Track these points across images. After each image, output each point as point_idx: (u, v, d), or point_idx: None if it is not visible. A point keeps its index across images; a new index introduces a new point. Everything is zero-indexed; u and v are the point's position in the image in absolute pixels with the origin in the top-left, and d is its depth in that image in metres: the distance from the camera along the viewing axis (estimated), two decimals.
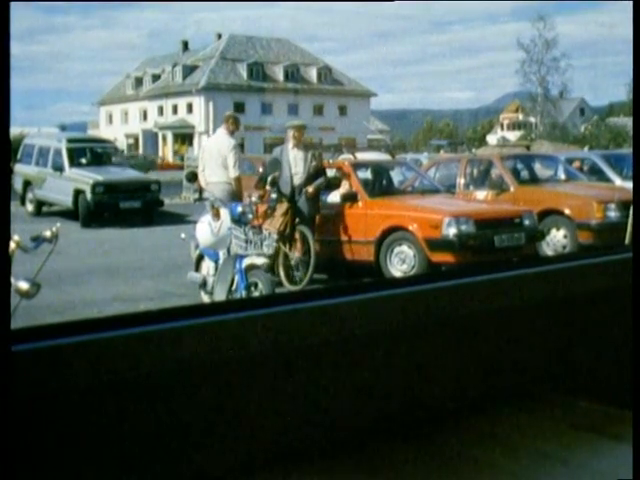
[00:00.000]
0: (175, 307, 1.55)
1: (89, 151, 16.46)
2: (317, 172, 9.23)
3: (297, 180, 9.10)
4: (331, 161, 10.72)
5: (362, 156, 12.15)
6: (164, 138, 44.09)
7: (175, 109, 45.78)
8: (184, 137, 42.39)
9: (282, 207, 8.87)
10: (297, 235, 8.86)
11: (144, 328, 1.34)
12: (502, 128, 56.83)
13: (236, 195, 8.33)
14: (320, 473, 1.42)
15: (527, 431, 1.59)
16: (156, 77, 47.56)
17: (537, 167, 12.68)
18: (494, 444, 1.52)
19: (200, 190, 8.37)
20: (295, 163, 9.13)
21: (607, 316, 2.06)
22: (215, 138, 9.11)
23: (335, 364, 1.57)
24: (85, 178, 14.75)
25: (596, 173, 13.46)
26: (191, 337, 1.37)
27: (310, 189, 9.02)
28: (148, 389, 1.36)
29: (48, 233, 2.78)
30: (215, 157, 8.75)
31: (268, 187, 8.83)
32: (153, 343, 1.34)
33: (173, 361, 1.35)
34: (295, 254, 8.74)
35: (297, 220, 8.92)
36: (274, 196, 8.86)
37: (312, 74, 48.29)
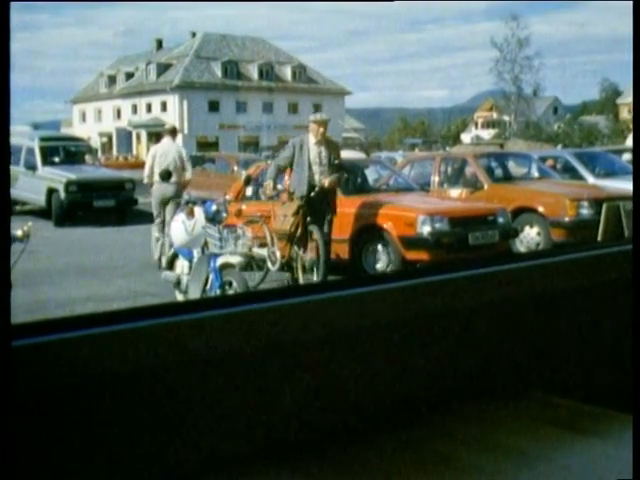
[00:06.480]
0: (178, 302, 1.54)
1: (62, 150, 16.34)
2: (335, 167, 8.67)
3: (317, 179, 8.56)
4: None
5: None
6: (138, 136, 43.84)
7: (149, 107, 45.56)
8: (158, 135, 42.18)
9: (293, 206, 8.51)
10: (307, 235, 8.48)
11: (147, 322, 1.33)
12: (476, 126, 57.15)
13: (181, 193, 8.94)
14: (313, 469, 1.41)
15: (511, 430, 1.58)
16: (130, 75, 47.29)
17: (511, 165, 12.75)
18: (475, 443, 1.52)
19: None
20: (319, 161, 8.58)
21: (605, 310, 2.05)
22: (167, 146, 10.35)
23: (324, 361, 1.57)
24: (58, 177, 14.64)
25: (569, 171, 13.56)
26: (191, 332, 1.37)
27: (325, 182, 8.48)
28: (150, 385, 1.35)
29: (19, 232, 2.77)
30: (171, 162, 10.05)
31: (271, 183, 8.71)
32: (156, 338, 1.33)
33: (177, 355, 1.35)
34: (306, 255, 8.46)
35: (308, 219, 8.48)
36: (274, 193, 8.70)
37: (287, 72, 48.23)
